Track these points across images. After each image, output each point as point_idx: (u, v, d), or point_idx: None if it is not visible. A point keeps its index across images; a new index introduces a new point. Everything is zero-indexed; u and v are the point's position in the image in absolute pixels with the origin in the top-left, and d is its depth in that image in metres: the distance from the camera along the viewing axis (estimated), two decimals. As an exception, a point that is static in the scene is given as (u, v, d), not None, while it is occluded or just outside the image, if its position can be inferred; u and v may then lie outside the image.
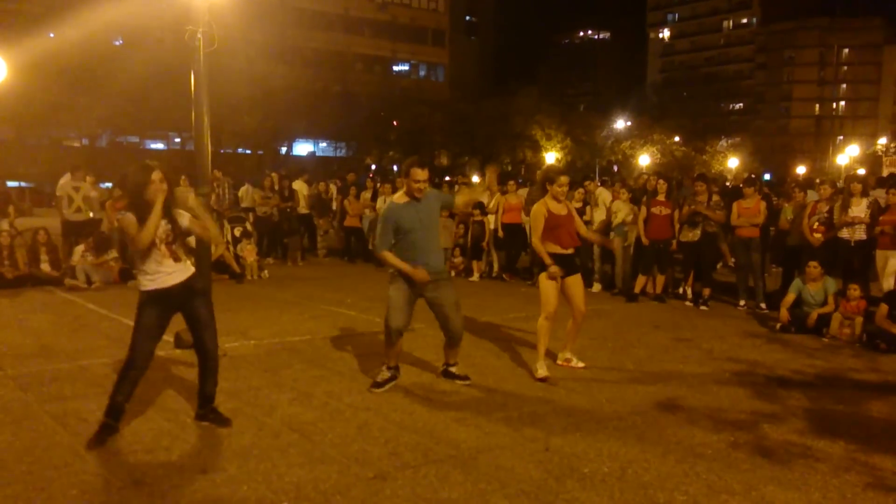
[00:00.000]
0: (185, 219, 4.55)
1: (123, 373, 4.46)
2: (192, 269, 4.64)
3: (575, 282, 6.21)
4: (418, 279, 5.40)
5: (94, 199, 12.43)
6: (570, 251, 6.20)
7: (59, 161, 17.11)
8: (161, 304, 4.49)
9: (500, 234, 11.94)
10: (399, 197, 5.62)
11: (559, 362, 6.45)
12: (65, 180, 12.36)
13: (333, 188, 15.53)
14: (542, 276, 6.16)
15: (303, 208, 14.84)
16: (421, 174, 5.43)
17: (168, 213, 4.47)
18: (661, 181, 10.27)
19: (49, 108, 29.87)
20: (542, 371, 6.02)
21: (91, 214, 12.31)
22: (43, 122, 31.49)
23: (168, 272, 4.47)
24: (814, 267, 8.21)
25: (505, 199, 11.90)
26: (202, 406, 4.74)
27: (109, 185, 20.33)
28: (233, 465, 4.06)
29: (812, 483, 4.00)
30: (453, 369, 5.94)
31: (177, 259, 4.51)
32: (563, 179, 6.18)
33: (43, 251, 10.95)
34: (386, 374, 5.64)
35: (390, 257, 5.49)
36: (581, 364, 6.40)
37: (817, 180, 13.29)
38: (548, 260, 6.04)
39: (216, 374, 4.73)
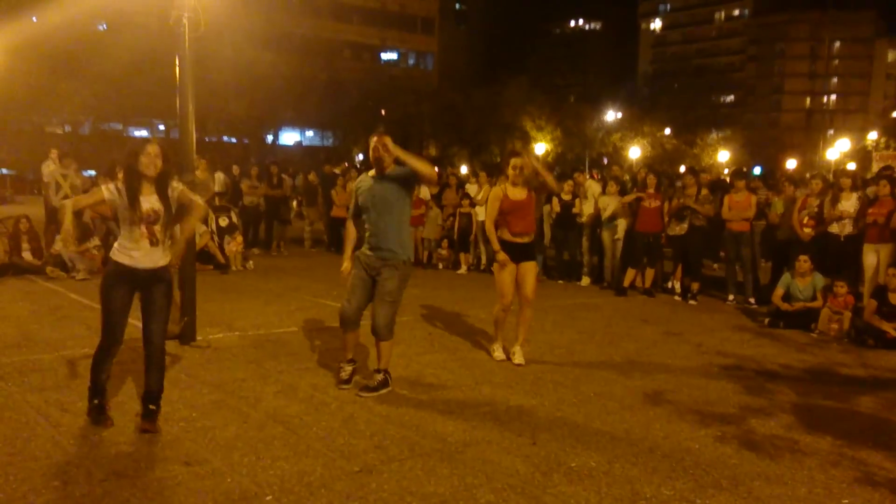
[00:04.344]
0: (176, 192, 4.38)
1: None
2: (167, 259, 4.42)
3: (527, 269, 6.20)
4: (342, 269, 5.37)
5: (79, 187, 12.31)
6: (525, 240, 6.19)
7: (42, 148, 16.90)
8: (128, 282, 4.35)
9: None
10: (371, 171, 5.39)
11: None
12: (53, 167, 12.25)
13: (300, 178, 15.21)
14: (496, 267, 6.27)
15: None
16: (372, 140, 5.25)
17: (160, 193, 4.32)
18: (650, 174, 10.27)
19: (31, 93, 29.44)
20: (498, 353, 6.28)
21: (76, 202, 12.16)
22: (25, 107, 31.06)
23: (143, 254, 4.31)
24: (804, 261, 8.21)
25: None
26: (143, 403, 4.44)
27: (93, 172, 20.10)
28: (216, 457, 4.01)
29: (799, 478, 3.99)
30: (376, 379, 5.27)
31: (154, 243, 4.33)
32: (515, 161, 6.22)
33: (25, 239, 10.79)
34: (348, 369, 5.40)
35: (349, 225, 5.53)
36: (521, 361, 6.17)
37: (808, 175, 13.29)
38: (496, 246, 6.17)
39: (162, 370, 4.46)
